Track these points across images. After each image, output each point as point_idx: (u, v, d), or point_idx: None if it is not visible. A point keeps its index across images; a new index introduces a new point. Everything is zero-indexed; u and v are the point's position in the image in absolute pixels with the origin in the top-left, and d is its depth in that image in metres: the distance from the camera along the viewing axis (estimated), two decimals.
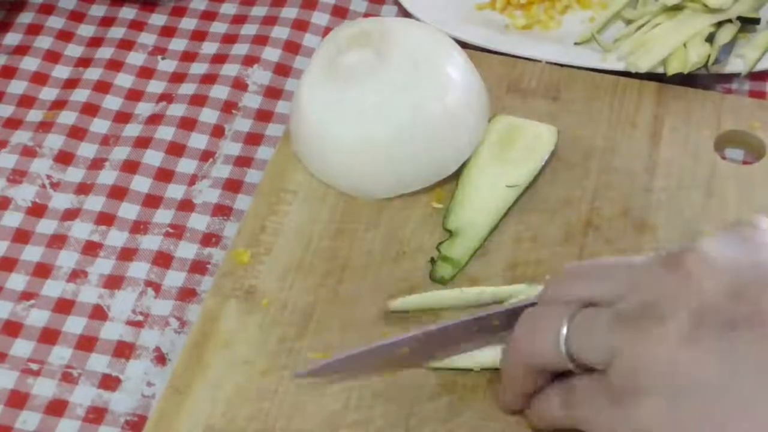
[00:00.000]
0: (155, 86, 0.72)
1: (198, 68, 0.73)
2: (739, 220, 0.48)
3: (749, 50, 0.69)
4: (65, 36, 0.75)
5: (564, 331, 0.48)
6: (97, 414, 0.57)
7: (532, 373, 0.51)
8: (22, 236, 0.64)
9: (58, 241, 0.64)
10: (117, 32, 0.75)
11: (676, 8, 0.69)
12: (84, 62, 0.73)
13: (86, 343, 0.60)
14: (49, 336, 0.60)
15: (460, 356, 0.56)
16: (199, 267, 0.63)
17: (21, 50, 0.74)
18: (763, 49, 0.69)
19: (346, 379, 0.55)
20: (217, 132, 0.69)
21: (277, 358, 0.56)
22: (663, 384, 0.44)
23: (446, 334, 0.55)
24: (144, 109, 0.71)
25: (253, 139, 0.69)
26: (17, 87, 0.72)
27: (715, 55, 0.67)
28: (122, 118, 0.70)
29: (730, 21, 0.68)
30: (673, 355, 0.44)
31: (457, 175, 0.62)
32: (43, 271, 0.63)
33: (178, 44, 0.74)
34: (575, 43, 0.71)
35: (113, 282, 0.62)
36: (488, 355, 0.55)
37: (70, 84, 0.72)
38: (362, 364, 0.55)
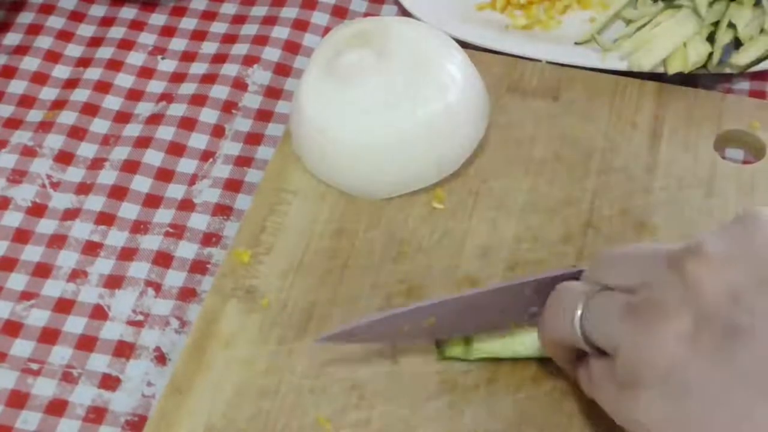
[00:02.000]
0: (155, 86, 0.72)
1: (198, 68, 0.73)
2: (742, 213, 0.47)
3: (750, 50, 0.68)
4: (65, 36, 0.75)
5: (579, 312, 0.49)
6: (97, 414, 0.57)
7: (559, 346, 0.51)
8: (22, 236, 0.64)
9: (58, 241, 0.64)
10: (117, 32, 0.75)
11: (676, 7, 0.69)
12: (84, 62, 0.73)
13: (86, 343, 0.60)
14: (49, 336, 0.60)
15: (492, 342, 0.55)
16: (199, 267, 0.63)
17: (21, 50, 0.74)
18: (763, 50, 0.69)
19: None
20: (217, 132, 0.69)
21: (277, 358, 0.56)
22: (660, 381, 0.45)
23: (476, 303, 0.54)
24: (144, 109, 0.71)
25: (253, 139, 0.69)
26: (17, 87, 0.72)
27: (719, 56, 0.67)
28: (122, 118, 0.70)
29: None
30: (671, 354, 0.44)
31: (456, 174, 0.62)
32: (43, 271, 0.63)
33: (178, 44, 0.74)
34: (575, 43, 0.71)
35: (113, 282, 0.62)
36: (524, 343, 0.55)
37: (70, 84, 0.72)
38: (384, 333, 0.54)
